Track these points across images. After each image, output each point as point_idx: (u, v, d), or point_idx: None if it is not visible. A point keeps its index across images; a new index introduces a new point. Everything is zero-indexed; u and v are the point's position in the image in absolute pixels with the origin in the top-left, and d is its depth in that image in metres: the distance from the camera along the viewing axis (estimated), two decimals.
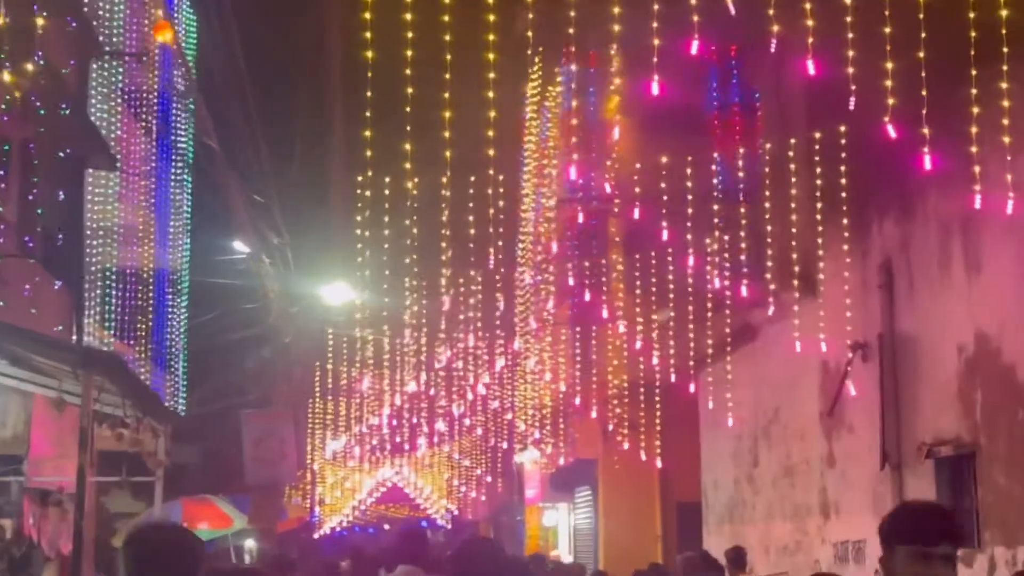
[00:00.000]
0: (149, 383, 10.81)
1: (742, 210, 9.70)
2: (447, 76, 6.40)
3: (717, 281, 9.69)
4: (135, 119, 11.35)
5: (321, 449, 15.95)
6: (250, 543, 15.69)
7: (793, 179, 9.35)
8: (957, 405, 7.49)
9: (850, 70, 5.98)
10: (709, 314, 10.11)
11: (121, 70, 10.69)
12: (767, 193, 9.63)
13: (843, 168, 8.72)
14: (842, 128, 8.59)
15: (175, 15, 12.89)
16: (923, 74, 5.72)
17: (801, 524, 10.20)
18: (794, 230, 9.39)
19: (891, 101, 5.79)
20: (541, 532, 16.42)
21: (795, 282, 9.45)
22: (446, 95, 6.49)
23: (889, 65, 5.91)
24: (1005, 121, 6.02)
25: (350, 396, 14.88)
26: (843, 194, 8.79)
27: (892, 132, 5.79)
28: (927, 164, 5.94)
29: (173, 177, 12.65)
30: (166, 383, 12.04)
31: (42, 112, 8.35)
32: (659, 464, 11.96)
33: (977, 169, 6.34)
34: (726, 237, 9.82)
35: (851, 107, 6.13)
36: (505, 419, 14.02)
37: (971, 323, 7.30)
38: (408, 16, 6.29)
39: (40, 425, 9.15)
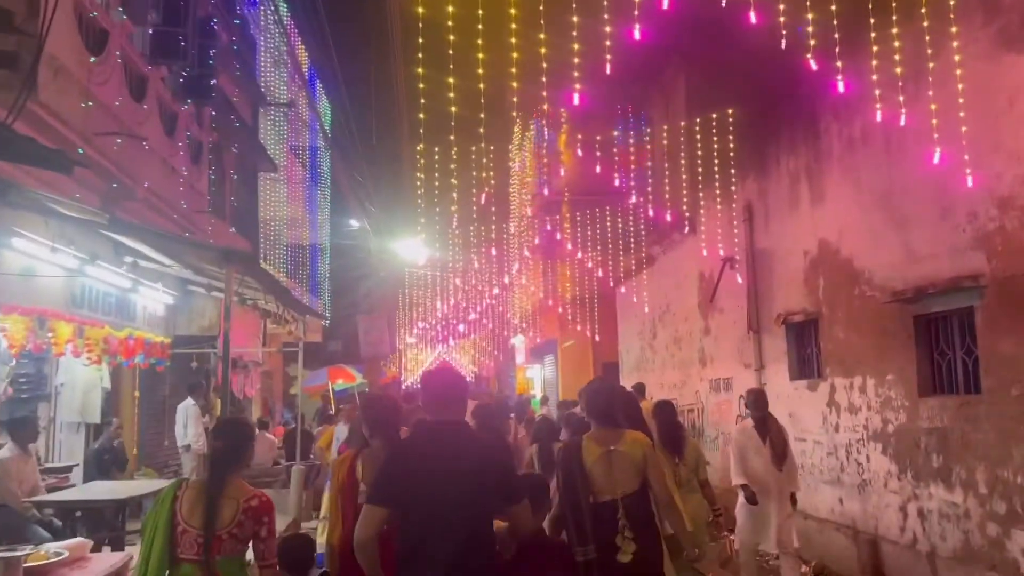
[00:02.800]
0: (309, 305, 17.38)
1: (649, 185, 15.27)
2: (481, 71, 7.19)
3: (632, 228, 15.46)
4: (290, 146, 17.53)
5: (404, 339, 23.48)
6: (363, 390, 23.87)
7: (682, 159, 12.74)
8: (804, 289, 9.64)
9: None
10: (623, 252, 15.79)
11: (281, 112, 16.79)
12: (665, 168, 13.52)
13: (715, 145, 11.66)
14: (713, 116, 11.64)
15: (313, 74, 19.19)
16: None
17: (686, 370, 13.99)
18: (684, 190, 12.97)
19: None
20: (525, 381, 24.46)
21: (684, 224, 13.45)
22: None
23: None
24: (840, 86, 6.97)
25: (419, 308, 21.97)
26: (715, 162, 11.76)
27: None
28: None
29: (317, 179, 19.56)
30: (318, 304, 19.06)
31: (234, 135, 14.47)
32: (597, 338, 18.29)
33: (821, 127, 8.99)
34: (638, 200, 15.54)
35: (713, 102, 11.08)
36: (505, 318, 21.13)
37: (815, 236, 9.42)
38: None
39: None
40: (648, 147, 12.98)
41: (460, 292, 19.95)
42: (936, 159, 6.43)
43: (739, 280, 11.46)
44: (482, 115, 7.96)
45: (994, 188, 6.44)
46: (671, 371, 14.96)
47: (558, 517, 4.26)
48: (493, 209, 13.39)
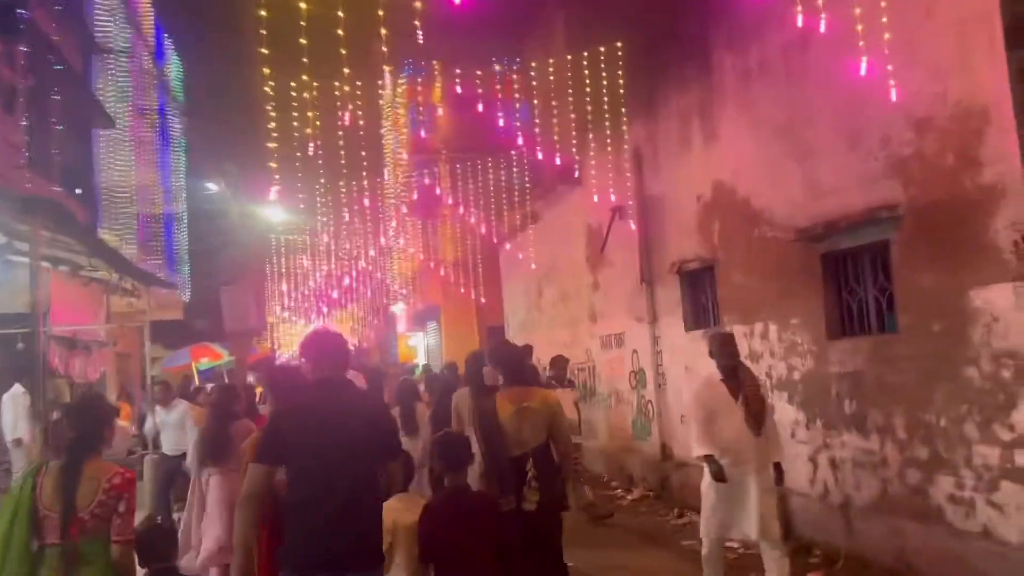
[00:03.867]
0: (166, 278, 15.55)
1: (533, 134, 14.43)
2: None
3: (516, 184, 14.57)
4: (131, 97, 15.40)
5: (275, 312, 21.69)
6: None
7: (567, 102, 11.22)
8: (698, 235, 9.20)
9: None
10: (507, 209, 14.90)
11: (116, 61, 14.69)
12: (551, 112, 11.70)
13: (602, 84, 10.36)
14: (600, 50, 10.36)
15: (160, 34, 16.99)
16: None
17: (575, 328, 13.40)
18: (573, 140, 11.63)
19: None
20: (408, 349, 23.33)
21: (572, 172, 12.60)
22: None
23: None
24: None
25: (290, 278, 20.31)
26: (604, 104, 10.47)
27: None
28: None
29: (169, 140, 17.31)
30: (176, 278, 17.12)
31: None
32: (483, 300, 17.43)
33: (712, 61, 8.49)
34: (519, 150, 14.70)
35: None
36: (384, 284, 19.86)
37: (708, 178, 8.89)
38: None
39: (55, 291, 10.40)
40: (532, 89, 11.94)
41: (333, 257, 18.47)
42: (863, 71, 5.82)
43: (632, 227, 10.82)
44: (343, 51, 7.28)
45: (911, 108, 5.93)
46: (559, 330, 14.38)
47: (485, 471, 4.56)
48: (364, 154, 12.14)
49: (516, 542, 4.08)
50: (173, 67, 18.81)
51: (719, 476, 5.57)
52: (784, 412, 7.79)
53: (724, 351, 5.79)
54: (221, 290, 16.88)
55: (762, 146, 8.02)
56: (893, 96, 5.83)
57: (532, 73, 12.02)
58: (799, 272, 7.47)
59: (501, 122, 12.56)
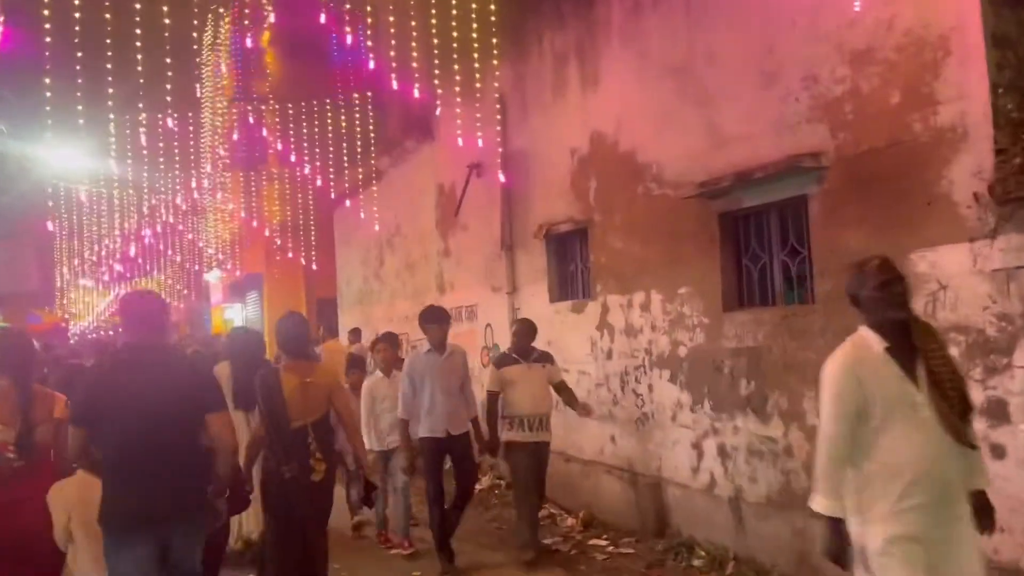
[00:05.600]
0: None
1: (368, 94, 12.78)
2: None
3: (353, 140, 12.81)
4: None
5: (69, 277, 18.47)
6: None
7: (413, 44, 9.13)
8: (571, 194, 8.16)
9: None
10: (346, 165, 13.21)
11: None
12: (396, 55, 9.99)
13: (460, 22, 8.48)
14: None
15: None
16: None
17: (420, 300, 11.21)
18: (416, 91, 9.33)
19: None
20: (223, 324, 20.95)
21: (426, 123, 11.35)
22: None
23: None
24: None
25: (85, 237, 17.27)
26: (462, 46, 8.76)
27: None
28: None
29: None
30: None
31: None
32: (314, 267, 15.56)
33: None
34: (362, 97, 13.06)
35: None
36: (198, 248, 17.39)
37: (585, 129, 7.84)
38: None
39: None
40: (375, 24, 10.25)
41: (135, 212, 15.76)
42: None
43: (496, 184, 9.54)
44: None
45: (845, 40, 5.06)
46: (402, 302, 13.03)
47: (259, 439, 4.89)
48: (169, 87, 9.97)
49: (311, 511, 4.74)
50: None
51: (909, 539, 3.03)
52: (664, 392, 6.91)
53: (887, 293, 3.18)
54: None
55: (652, 90, 7.00)
56: (822, 26, 4.91)
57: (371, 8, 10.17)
58: (691, 235, 6.54)
59: (338, 61, 10.93)
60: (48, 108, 9.79)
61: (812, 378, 5.23)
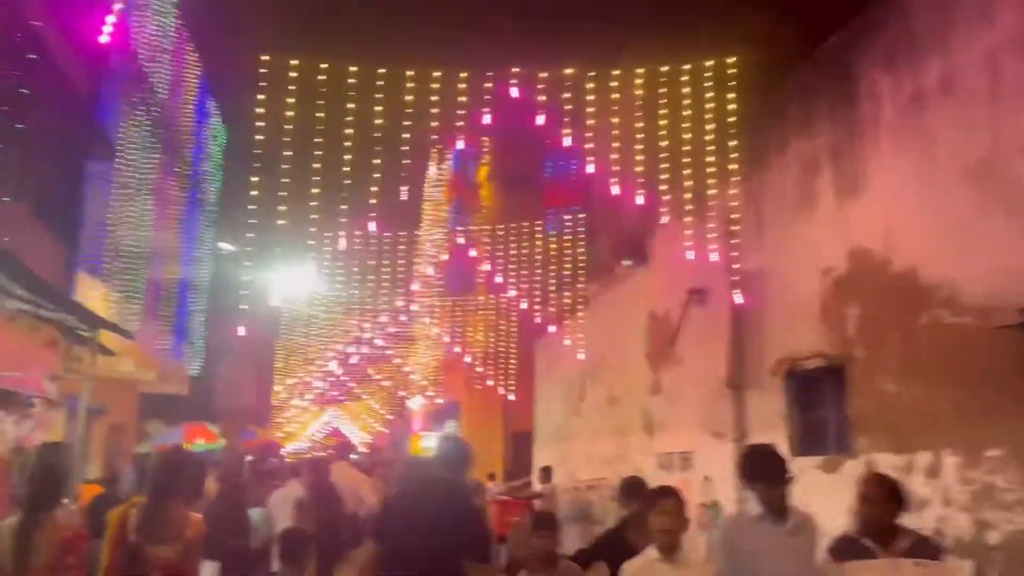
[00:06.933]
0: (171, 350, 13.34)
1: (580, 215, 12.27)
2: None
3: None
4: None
5: (284, 397, 19.19)
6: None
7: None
8: (822, 323, 6.99)
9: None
10: (553, 291, 12.52)
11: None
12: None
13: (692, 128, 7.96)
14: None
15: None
16: None
17: (623, 440, 11.00)
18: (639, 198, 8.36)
19: None
20: (420, 452, 20.34)
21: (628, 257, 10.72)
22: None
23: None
24: None
25: (302, 359, 17.89)
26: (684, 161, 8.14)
27: None
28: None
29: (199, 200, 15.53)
30: (185, 350, 14.87)
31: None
32: (512, 398, 14.65)
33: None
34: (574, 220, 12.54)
35: None
36: (404, 374, 17.26)
37: (843, 245, 6.78)
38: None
39: None
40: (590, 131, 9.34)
41: (352, 336, 15.95)
42: None
43: (736, 301, 8.10)
44: None
45: None
46: (603, 440, 11.81)
47: None
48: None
49: None
50: (216, 130, 17.10)
51: None
52: None
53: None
54: (221, 365, 14.60)
55: (940, 196, 5.65)
56: None
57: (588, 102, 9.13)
58: (1005, 377, 4.94)
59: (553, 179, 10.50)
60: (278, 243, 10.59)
61: None
